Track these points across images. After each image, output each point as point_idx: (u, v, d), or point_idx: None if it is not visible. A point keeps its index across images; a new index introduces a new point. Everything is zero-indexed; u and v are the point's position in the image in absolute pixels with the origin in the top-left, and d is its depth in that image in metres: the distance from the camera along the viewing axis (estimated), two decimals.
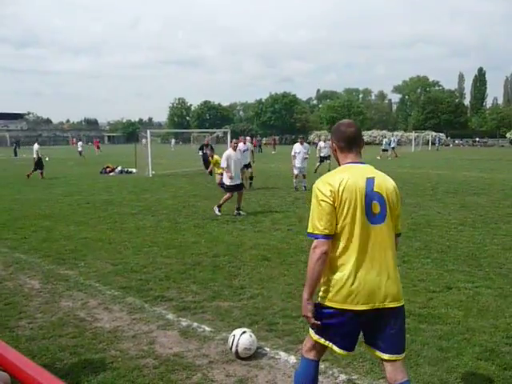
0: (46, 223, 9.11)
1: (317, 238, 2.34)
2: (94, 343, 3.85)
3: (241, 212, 9.89)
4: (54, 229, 8.55)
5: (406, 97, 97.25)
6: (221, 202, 10.01)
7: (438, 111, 71.56)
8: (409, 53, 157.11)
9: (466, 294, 4.89)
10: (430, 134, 55.79)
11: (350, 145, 2.52)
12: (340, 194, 2.35)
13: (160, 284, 5.35)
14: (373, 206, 2.38)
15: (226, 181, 9.95)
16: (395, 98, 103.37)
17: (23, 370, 0.99)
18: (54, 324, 4.25)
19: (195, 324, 4.23)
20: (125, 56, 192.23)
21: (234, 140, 10.80)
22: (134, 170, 21.38)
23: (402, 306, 2.44)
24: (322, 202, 2.38)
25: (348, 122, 2.60)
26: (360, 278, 2.31)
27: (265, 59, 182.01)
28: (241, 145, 13.49)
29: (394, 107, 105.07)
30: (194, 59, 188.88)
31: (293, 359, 3.57)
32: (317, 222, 2.36)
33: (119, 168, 21.38)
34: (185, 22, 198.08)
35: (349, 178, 2.39)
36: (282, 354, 3.65)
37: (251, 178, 14.65)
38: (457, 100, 79.82)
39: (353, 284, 2.30)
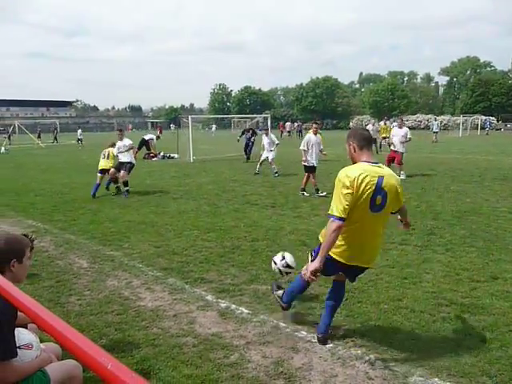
0: (93, 206, 9.51)
1: (333, 219, 3.08)
2: (137, 321, 4.02)
3: (305, 193, 10.53)
4: (100, 211, 8.93)
5: (455, 79, 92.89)
6: (302, 185, 10.61)
7: (488, 94, 67.94)
8: (458, 32, 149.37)
9: None
10: (480, 118, 53.15)
11: (368, 145, 3.28)
12: (357, 186, 3.05)
13: (200, 266, 5.49)
14: (377, 199, 3.10)
15: (304, 162, 10.61)
16: (442, 80, 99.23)
17: (74, 342, 1.05)
18: (101, 301, 4.47)
19: (233, 306, 4.33)
20: (167, 43, 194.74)
21: (315, 125, 10.91)
22: (175, 156, 21.82)
23: (368, 267, 3.46)
24: (342, 190, 3.07)
25: (361, 127, 3.45)
26: (354, 247, 3.23)
27: (306, 43, 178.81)
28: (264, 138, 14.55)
29: (441, 90, 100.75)
30: (234, 44, 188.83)
31: (329, 343, 3.58)
32: (335, 207, 3.09)
33: (162, 153, 21.87)
34: (225, 8, 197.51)
35: (366, 174, 3.08)
36: None
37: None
38: (510, 81, 75.36)
39: (349, 250, 3.24)
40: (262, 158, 14.64)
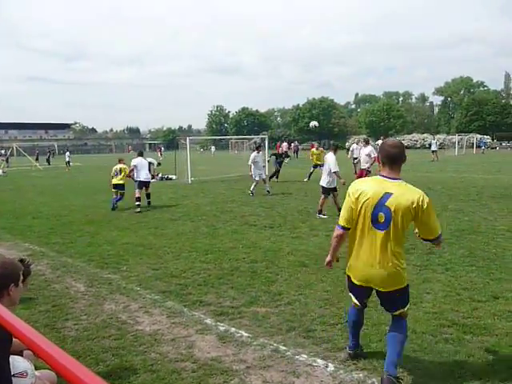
0: (91, 228, 9.47)
1: (337, 226, 3.31)
2: (134, 345, 3.96)
3: (323, 215, 10.13)
4: (98, 234, 8.88)
5: (449, 99, 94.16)
6: (319, 207, 10.27)
7: (482, 113, 68.78)
8: (451, 53, 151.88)
9: None
10: (475, 137, 53.66)
11: (390, 163, 3.16)
12: (355, 199, 3.15)
13: (199, 289, 5.43)
14: (379, 216, 3.07)
15: (324, 183, 10.27)
16: (437, 100, 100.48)
17: (70, 369, 1.03)
18: (98, 326, 4.40)
19: (233, 329, 4.27)
20: (166, 65, 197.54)
21: (333, 145, 10.93)
22: (173, 177, 21.86)
23: (390, 291, 3.24)
24: (347, 201, 3.22)
25: (393, 143, 3.22)
26: (355, 263, 3.26)
27: (303, 65, 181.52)
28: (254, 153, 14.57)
29: (436, 110, 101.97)
30: (232, 66, 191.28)
31: (330, 367, 3.52)
32: (341, 215, 3.28)
33: (160, 175, 21.90)
34: (224, 31, 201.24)
35: (371, 188, 3.11)
36: (320, 362, 3.61)
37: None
38: (503, 101, 76.44)
39: (352, 266, 3.31)
40: (263, 177, 14.85)
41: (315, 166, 18.49)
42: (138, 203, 11.75)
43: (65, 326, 4.42)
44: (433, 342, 3.87)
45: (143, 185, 12.25)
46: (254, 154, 14.53)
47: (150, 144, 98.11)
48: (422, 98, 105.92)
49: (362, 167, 14.22)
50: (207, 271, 6.15)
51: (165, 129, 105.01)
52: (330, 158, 10.28)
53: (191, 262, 6.68)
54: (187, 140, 20.84)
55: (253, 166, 14.44)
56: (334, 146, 10.85)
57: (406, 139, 62.63)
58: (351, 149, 20.56)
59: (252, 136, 42.91)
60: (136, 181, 12.26)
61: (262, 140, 22.85)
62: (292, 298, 5.04)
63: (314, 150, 19.02)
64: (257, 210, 11.47)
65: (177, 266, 6.47)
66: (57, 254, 7.39)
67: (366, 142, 15.28)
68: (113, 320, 4.55)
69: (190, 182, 19.55)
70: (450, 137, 58.90)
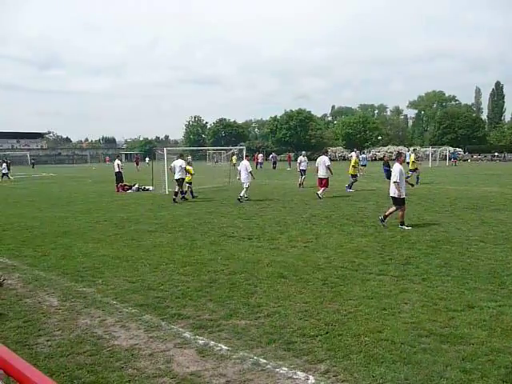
0: (65, 240, 9.23)
1: None
2: (111, 361, 3.85)
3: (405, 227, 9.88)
4: (73, 246, 8.66)
5: (422, 112, 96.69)
6: (401, 219, 10.02)
7: (454, 126, 70.78)
8: (425, 68, 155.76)
9: (489, 313, 4.76)
10: (448, 149, 55.15)
11: None
12: None
13: (177, 302, 5.35)
14: None
15: (397, 193, 9.99)
16: (411, 113, 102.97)
17: None
18: (72, 342, 4.27)
19: (212, 343, 4.20)
20: (143, 76, 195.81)
21: (393, 154, 11.27)
22: (150, 188, 21.60)
23: None
24: None
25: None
26: None
27: (280, 76, 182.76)
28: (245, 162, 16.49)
29: (410, 123, 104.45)
30: (210, 78, 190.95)
31: (311, 379, 3.50)
32: None
33: (136, 186, 21.63)
34: (202, 42, 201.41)
35: None
36: (300, 374, 3.59)
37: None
38: (474, 114, 78.91)
39: None
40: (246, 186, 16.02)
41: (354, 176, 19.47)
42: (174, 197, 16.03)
43: (37, 343, 4.26)
44: (411, 351, 3.91)
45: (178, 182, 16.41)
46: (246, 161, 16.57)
47: (126, 154, 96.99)
48: (397, 111, 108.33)
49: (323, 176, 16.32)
50: (185, 283, 6.07)
51: (141, 139, 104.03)
52: (395, 168, 10.17)
53: (169, 274, 6.58)
54: (164, 150, 20.70)
55: (245, 174, 15.88)
56: (398, 154, 10.74)
57: (382, 151, 63.80)
58: (299, 160, 21.89)
59: (230, 147, 42.87)
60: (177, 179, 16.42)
61: (240, 151, 23.04)
62: (271, 309, 5.01)
63: (354, 158, 20.49)
64: (235, 221, 11.43)
65: (154, 278, 6.36)
66: (29, 267, 7.17)
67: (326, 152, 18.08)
68: (88, 335, 4.42)
69: (167, 192, 19.34)
70: (424, 149, 60.39)
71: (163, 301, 5.39)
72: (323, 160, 16.44)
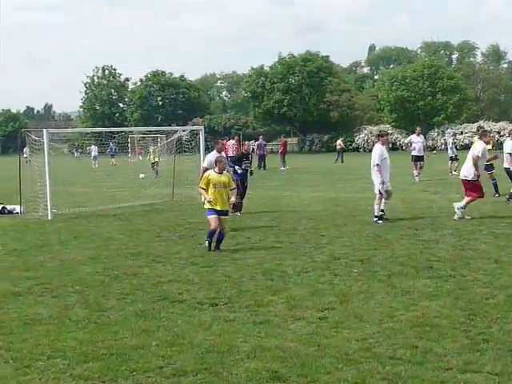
0: None
1: None
2: None
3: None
4: None
5: None
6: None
7: None
8: None
9: None
10: None
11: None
12: None
13: None
14: None
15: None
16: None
17: None
18: None
19: None
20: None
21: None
22: (16, 209, 12.80)
23: None
24: None
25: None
26: None
27: None
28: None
29: None
30: None
31: None
32: None
33: None
34: None
35: None
36: None
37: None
38: None
39: None
40: None
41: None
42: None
43: None
44: None
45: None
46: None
47: None
48: (496, 54, 60.99)
49: None
50: None
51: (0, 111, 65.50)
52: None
53: (52, 380, 3.41)
54: (44, 134, 12.21)
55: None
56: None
57: (468, 131, 38.05)
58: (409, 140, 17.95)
59: (174, 127, 25.71)
60: None
61: (194, 133, 14.81)
62: None
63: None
64: (185, 270, 7.15)
65: None
66: None
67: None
68: None
69: (50, 217, 11.76)
70: None
71: None
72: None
